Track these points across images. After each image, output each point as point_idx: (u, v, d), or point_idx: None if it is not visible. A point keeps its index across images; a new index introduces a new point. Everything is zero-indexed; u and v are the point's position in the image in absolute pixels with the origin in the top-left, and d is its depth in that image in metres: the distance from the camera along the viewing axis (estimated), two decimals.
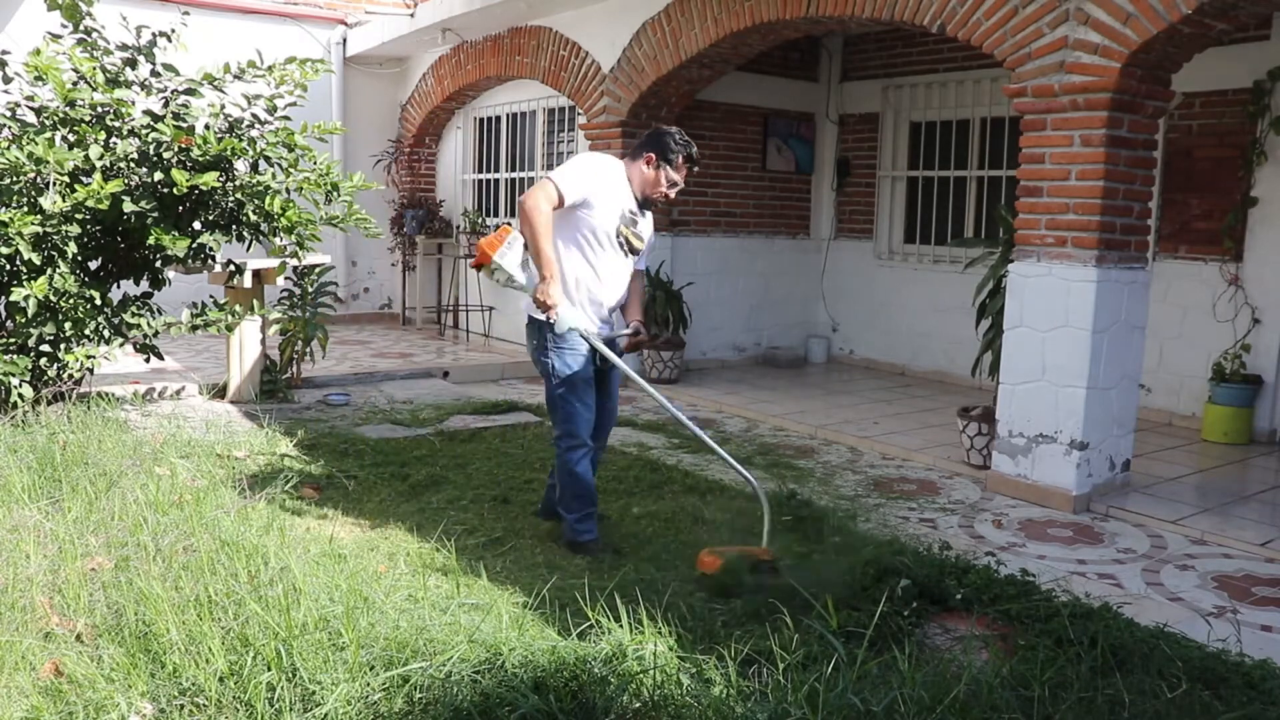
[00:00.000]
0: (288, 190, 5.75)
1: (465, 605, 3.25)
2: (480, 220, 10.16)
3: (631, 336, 4.13)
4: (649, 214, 4.11)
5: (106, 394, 5.89)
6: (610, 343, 4.07)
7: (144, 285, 5.96)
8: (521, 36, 8.78)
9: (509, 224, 3.84)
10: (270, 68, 5.79)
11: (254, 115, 5.86)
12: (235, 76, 5.77)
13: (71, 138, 5.35)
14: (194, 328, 5.83)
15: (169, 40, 5.69)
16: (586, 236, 3.92)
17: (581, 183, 3.85)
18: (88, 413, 5.34)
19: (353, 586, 3.09)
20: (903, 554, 3.75)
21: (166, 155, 5.46)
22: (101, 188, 5.03)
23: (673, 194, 4.04)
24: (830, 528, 4.29)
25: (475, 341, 9.95)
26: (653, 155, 3.96)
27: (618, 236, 3.97)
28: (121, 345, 5.69)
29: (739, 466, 4.02)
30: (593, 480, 4.11)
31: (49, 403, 5.46)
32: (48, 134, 5.21)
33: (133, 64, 5.64)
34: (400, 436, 5.85)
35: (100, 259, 5.75)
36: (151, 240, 5.31)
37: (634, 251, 4.05)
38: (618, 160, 4.06)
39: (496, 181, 10.46)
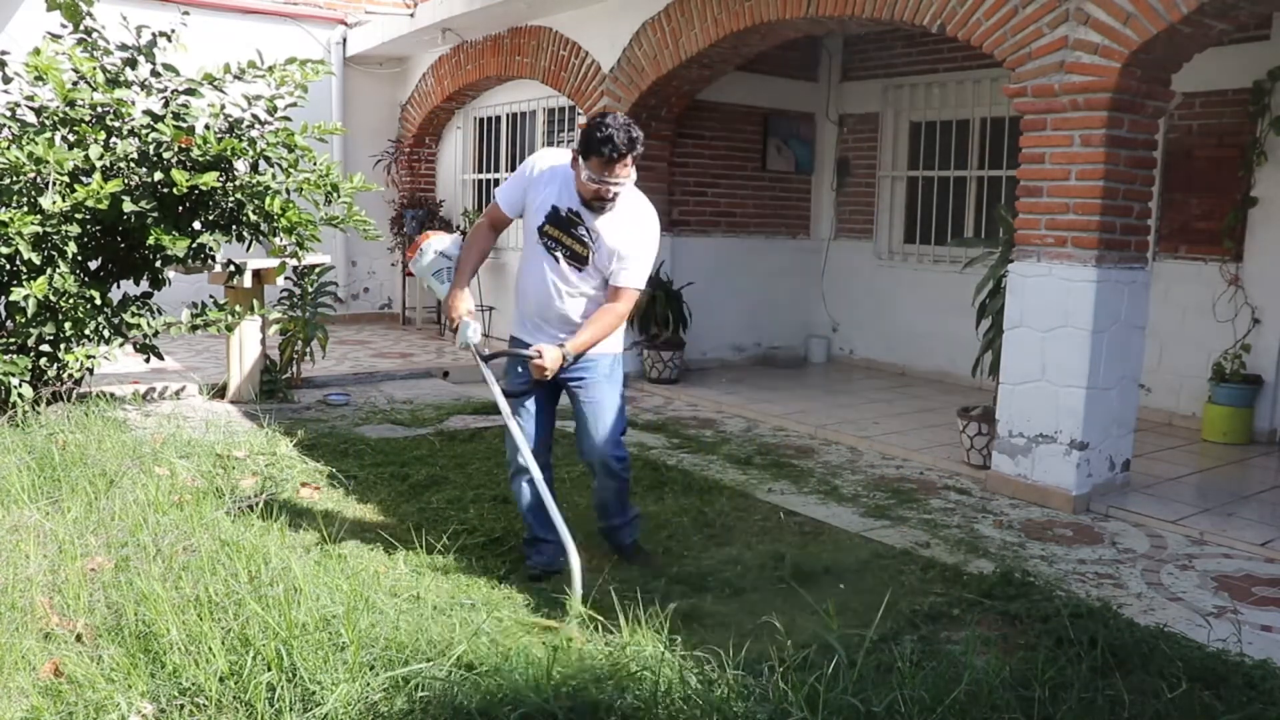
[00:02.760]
0: (288, 191, 5.75)
1: (465, 605, 3.25)
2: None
3: (534, 357, 3.45)
4: (623, 215, 3.39)
5: (106, 394, 5.90)
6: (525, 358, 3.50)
7: (144, 285, 5.96)
8: (521, 36, 8.78)
9: (429, 231, 3.68)
10: (270, 68, 5.80)
11: (254, 115, 5.87)
12: (235, 77, 5.78)
13: (71, 138, 5.35)
14: (194, 328, 5.84)
15: (169, 40, 5.70)
16: (526, 239, 3.52)
17: (505, 187, 3.53)
18: (87, 413, 5.35)
19: (353, 586, 3.09)
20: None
21: (166, 155, 5.46)
22: (101, 188, 5.04)
23: (607, 192, 3.28)
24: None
25: None
26: (573, 151, 3.35)
27: (541, 238, 3.43)
28: (121, 345, 5.70)
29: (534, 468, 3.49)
30: (526, 503, 3.64)
31: (49, 403, 5.47)
32: (48, 134, 5.21)
33: (133, 64, 5.65)
34: (400, 436, 5.85)
35: (100, 259, 5.76)
36: (151, 240, 5.31)
37: (575, 259, 3.40)
38: (565, 153, 3.47)
39: (496, 181, 10.45)
